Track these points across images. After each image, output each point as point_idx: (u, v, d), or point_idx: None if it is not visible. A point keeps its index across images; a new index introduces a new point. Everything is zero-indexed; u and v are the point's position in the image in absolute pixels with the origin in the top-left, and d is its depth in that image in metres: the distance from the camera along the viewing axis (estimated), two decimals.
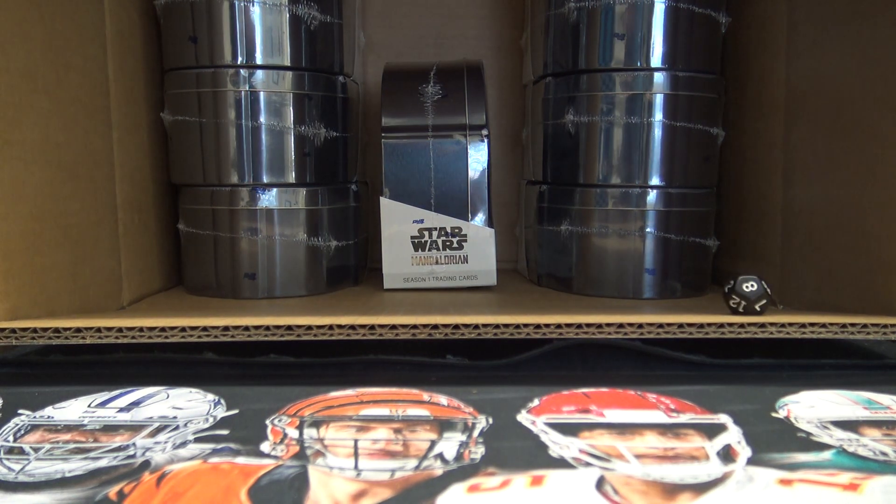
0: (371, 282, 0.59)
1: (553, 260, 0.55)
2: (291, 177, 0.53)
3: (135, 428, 0.31)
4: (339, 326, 0.36)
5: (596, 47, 0.52)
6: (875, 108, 0.42)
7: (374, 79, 0.66)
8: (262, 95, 0.51)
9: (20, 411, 0.33)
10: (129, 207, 0.52)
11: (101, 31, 0.49)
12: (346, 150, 0.57)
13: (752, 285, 0.38)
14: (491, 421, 0.32)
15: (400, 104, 0.55)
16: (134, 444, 0.29)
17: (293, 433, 0.30)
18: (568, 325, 0.37)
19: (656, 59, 0.51)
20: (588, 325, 0.37)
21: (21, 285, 0.39)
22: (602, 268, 0.52)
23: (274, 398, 0.35)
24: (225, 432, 0.30)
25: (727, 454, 0.28)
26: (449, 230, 0.53)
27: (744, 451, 0.28)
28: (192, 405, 0.34)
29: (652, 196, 0.51)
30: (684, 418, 0.32)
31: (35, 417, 0.32)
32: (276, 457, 0.28)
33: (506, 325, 0.37)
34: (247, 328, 0.36)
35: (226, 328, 0.36)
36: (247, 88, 0.51)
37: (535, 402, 0.34)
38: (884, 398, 0.35)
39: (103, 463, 0.27)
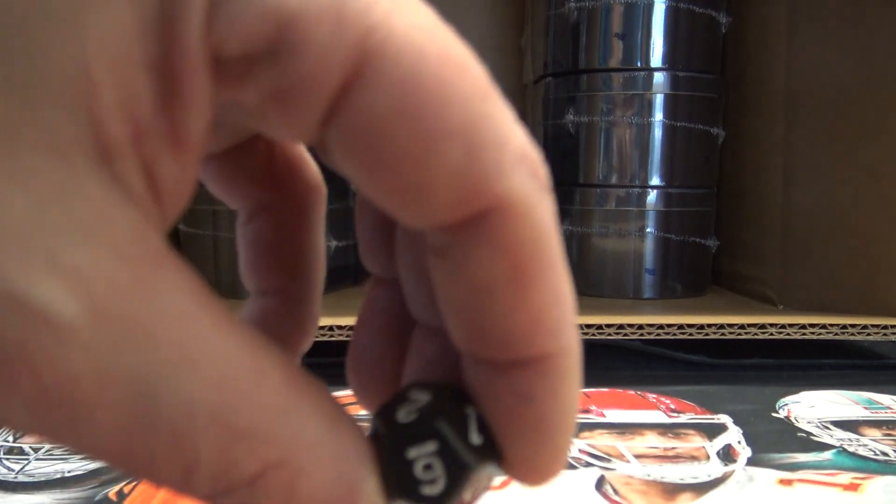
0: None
1: None
2: None
3: None
4: (339, 327, 0.36)
5: (596, 47, 0.52)
6: (875, 108, 0.42)
7: None
8: None
9: None
10: None
11: None
12: None
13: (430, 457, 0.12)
14: None
15: None
16: None
17: None
18: None
19: (656, 59, 0.51)
20: (588, 327, 0.37)
21: None
22: (602, 268, 0.52)
23: None
24: None
25: (727, 454, 0.28)
26: None
27: (744, 451, 0.28)
28: None
29: (652, 196, 0.51)
30: (684, 418, 0.32)
31: None
32: None
33: None
34: None
35: None
36: None
37: None
38: (884, 398, 0.35)
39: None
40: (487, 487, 0.13)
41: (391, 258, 0.14)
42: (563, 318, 0.11)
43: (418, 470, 0.12)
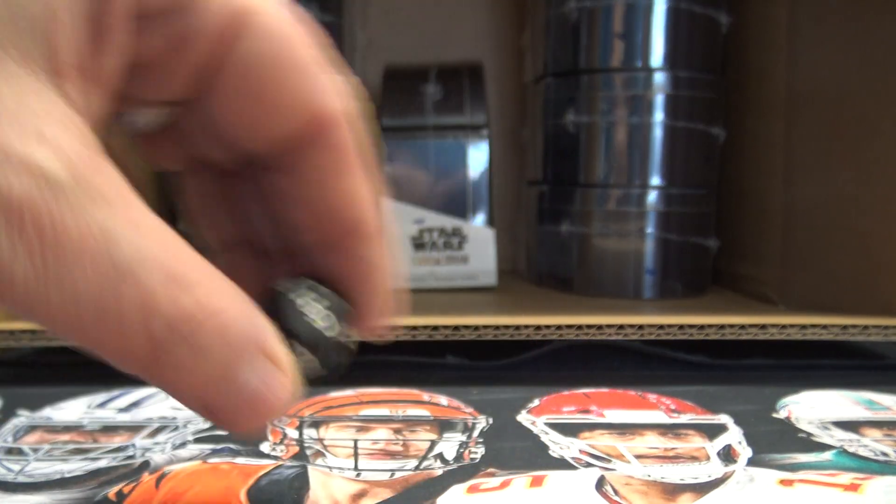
0: None
1: (553, 260, 0.55)
2: None
3: (134, 428, 0.31)
4: None
5: (596, 47, 0.52)
6: (875, 108, 0.42)
7: (375, 79, 0.66)
8: None
9: (19, 412, 0.33)
10: None
11: None
12: None
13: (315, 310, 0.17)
14: (491, 421, 0.32)
15: (400, 104, 0.55)
16: (133, 445, 0.29)
17: (293, 433, 0.30)
18: (568, 327, 0.37)
19: (656, 59, 0.51)
20: (588, 327, 0.37)
21: None
22: (602, 268, 0.52)
23: None
24: (225, 432, 0.30)
25: (728, 454, 0.28)
26: (449, 230, 0.53)
27: (744, 452, 0.28)
28: None
29: (652, 196, 0.51)
30: (685, 418, 0.32)
31: (34, 418, 0.32)
32: (275, 457, 0.28)
33: (506, 327, 0.37)
34: None
35: None
36: None
37: (535, 402, 0.34)
38: (885, 398, 0.35)
39: (103, 463, 0.27)
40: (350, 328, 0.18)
41: (231, 217, 0.19)
42: (373, 194, 0.18)
43: (308, 310, 0.16)
